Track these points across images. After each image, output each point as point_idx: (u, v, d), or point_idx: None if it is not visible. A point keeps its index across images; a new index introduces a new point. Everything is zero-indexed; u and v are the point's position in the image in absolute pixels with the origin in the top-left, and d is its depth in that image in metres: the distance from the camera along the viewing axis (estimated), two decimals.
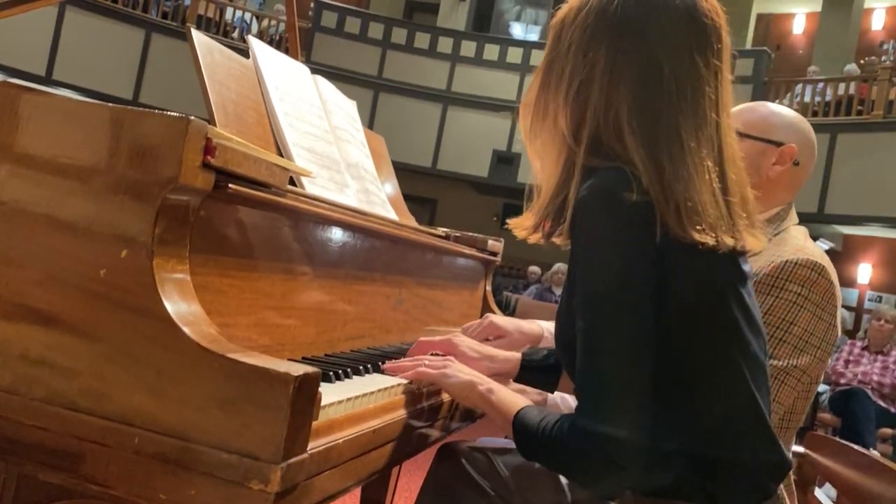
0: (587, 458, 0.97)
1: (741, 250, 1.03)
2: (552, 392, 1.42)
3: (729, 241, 1.00)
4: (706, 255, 0.99)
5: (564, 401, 1.43)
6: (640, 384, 0.96)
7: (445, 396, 1.33)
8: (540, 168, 1.11)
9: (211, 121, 1.21)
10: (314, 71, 1.68)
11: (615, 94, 1.01)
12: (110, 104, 0.93)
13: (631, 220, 0.96)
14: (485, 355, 1.36)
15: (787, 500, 1.48)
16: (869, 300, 11.42)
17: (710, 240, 0.97)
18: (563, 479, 1.32)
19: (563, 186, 1.06)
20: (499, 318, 1.55)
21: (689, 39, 1.02)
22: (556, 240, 1.08)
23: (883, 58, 11.20)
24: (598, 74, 1.02)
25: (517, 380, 1.39)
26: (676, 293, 0.99)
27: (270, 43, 10.99)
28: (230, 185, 0.96)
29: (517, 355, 1.39)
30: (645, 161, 0.98)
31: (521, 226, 1.12)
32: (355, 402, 1.04)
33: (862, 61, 11.43)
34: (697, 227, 0.97)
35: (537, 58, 12.55)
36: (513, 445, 1.44)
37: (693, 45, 1.02)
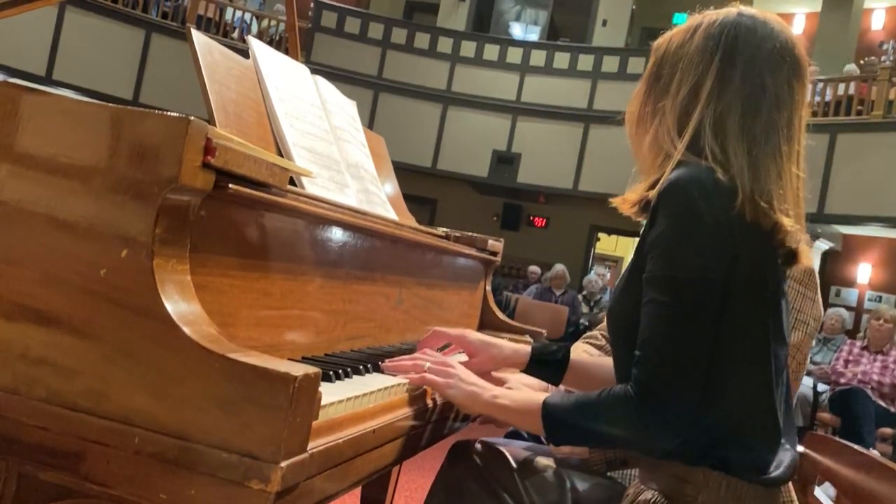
0: (647, 418, 1.05)
1: (795, 259, 1.14)
2: (557, 385, 1.43)
3: (800, 237, 1.12)
4: (769, 259, 1.11)
5: None
6: (701, 364, 1.06)
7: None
8: (643, 160, 1.25)
9: (211, 121, 1.21)
10: (314, 71, 1.68)
11: (722, 102, 1.15)
12: (110, 104, 0.93)
13: (717, 208, 1.07)
14: (493, 344, 1.41)
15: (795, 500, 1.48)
16: (869, 300, 11.41)
17: (788, 223, 1.09)
18: (568, 480, 1.33)
19: (658, 174, 1.18)
20: (473, 335, 1.45)
21: (789, 67, 1.17)
22: (638, 216, 1.21)
23: (883, 58, 11.19)
24: (708, 85, 1.16)
25: (524, 372, 1.41)
26: (733, 291, 1.07)
27: (270, 43, 10.99)
28: (230, 186, 0.95)
29: (526, 347, 1.42)
30: (743, 157, 1.11)
31: (627, 201, 1.23)
32: (355, 401, 1.04)
33: (862, 61, 11.42)
34: (783, 209, 1.10)
35: (537, 58, 12.60)
36: (524, 443, 1.44)
37: (791, 73, 1.17)
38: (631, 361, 1.10)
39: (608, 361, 1.36)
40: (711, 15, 1.21)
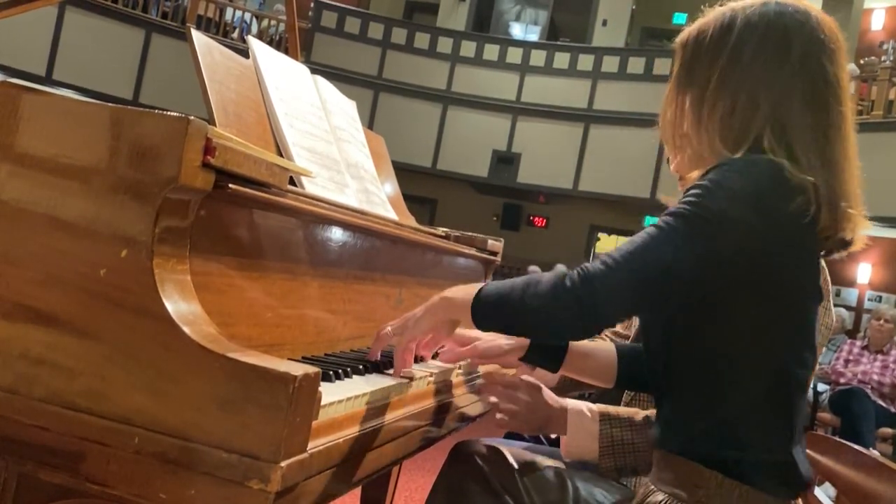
0: (569, 291, 1.02)
1: (850, 244, 1.13)
2: (555, 372, 1.43)
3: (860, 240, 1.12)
4: (800, 261, 1.07)
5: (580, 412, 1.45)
6: (650, 288, 1.02)
7: (446, 396, 1.33)
8: (684, 164, 1.20)
9: (211, 121, 1.21)
10: (314, 71, 1.68)
11: (782, 99, 1.07)
12: (110, 104, 0.93)
13: (770, 195, 1.02)
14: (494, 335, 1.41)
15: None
16: (869, 300, 11.41)
17: (850, 235, 1.08)
18: (570, 481, 1.33)
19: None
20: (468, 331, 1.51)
21: (840, 57, 1.11)
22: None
23: (883, 58, 11.18)
24: (763, 82, 1.08)
25: (523, 359, 1.41)
26: (766, 289, 1.05)
27: (270, 43, 10.99)
28: (230, 185, 0.96)
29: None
30: (816, 157, 1.05)
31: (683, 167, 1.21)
32: (355, 401, 1.04)
33: (862, 61, 11.41)
34: (848, 227, 1.08)
35: (537, 58, 12.60)
36: (525, 444, 1.44)
37: (843, 63, 1.11)
38: (663, 353, 1.09)
39: (609, 346, 1.35)
40: (744, 7, 1.12)
